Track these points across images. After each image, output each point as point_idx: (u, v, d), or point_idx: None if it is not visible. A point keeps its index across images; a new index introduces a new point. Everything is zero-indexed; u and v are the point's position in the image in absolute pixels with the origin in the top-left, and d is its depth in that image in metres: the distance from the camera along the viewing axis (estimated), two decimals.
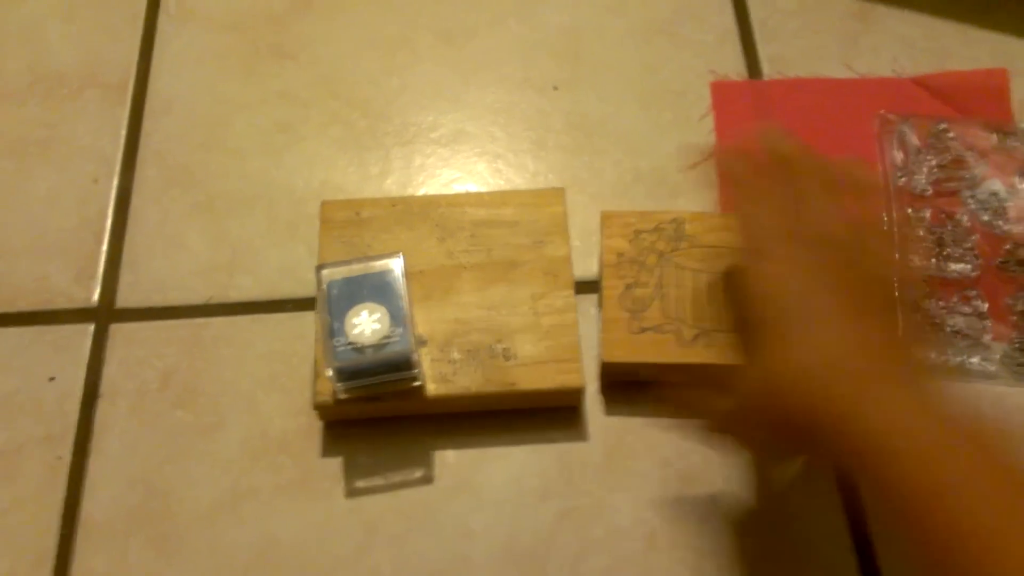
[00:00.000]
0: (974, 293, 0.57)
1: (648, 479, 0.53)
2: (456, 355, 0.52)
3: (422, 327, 0.53)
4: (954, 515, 0.37)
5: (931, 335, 0.56)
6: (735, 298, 0.52)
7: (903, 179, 0.61)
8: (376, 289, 0.51)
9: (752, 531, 0.52)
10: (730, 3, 0.69)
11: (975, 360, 0.55)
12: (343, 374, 0.50)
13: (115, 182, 0.62)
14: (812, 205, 0.47)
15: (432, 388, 0.52)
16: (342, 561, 0.51)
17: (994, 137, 0.62)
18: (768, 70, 0.66)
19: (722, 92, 0.65)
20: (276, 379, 0.56)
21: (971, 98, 0.65)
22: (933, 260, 0.58)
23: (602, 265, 0.55)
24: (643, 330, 0.53)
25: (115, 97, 0.65)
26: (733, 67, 0.66)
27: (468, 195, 0.61)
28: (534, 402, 0.54)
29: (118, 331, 0.57)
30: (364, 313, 0.50)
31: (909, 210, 0.60)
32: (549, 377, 0.52)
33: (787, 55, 0.67)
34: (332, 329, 0.49)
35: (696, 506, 0.53)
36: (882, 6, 0.69)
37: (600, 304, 0.54)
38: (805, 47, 0.67)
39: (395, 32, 0.68)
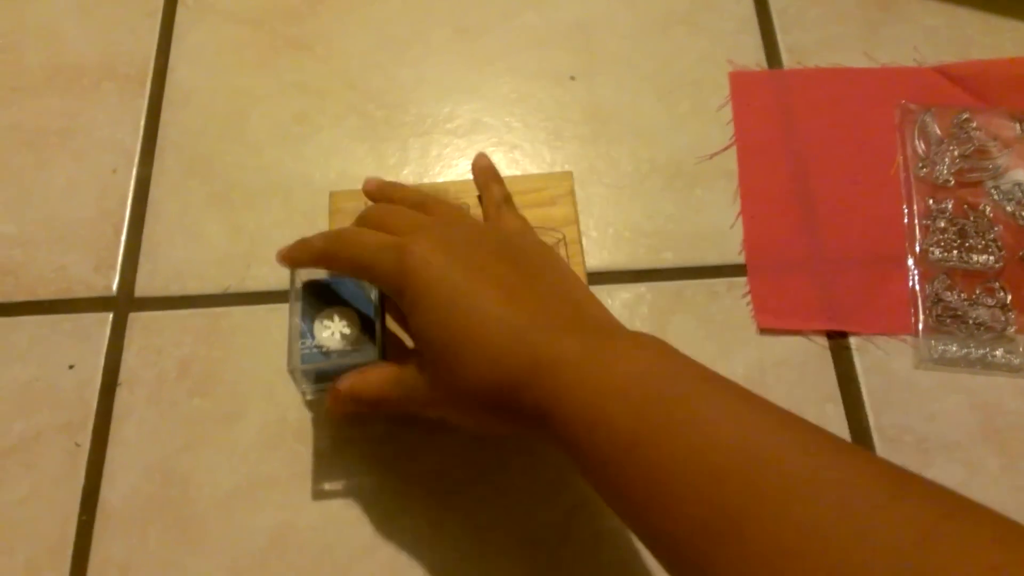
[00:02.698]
0: (997, 285, 0.57)
1: None
2: None
3: None
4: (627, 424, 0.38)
5: (954, 328, 0.56)
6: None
7: (924, 170, 0.60)
8: (349, 293, 0.51)
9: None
10: None
11: (999, 353, 0.55)
12: (308, 376, 0.50)
13: (134, 172, 0.62)
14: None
15: None
16: (358, 550, 0.51)
17: (1018, 126, 0.61)
18: (788, 59, 0.66)
19: (740, 82, 0.65)
20: None
21: (994, 87, 0.64)
22: (955, 252, 0.58)
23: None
24: None
25: (134, 89, 0.66)
26: (752, 57, 0.66)
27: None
28: None
29: (137, 320, 0.58)
30: (335, 317, 0.50)
31: (930, 201, 0.60)
32: None
33: (807, 44, 0.66)
34: (301, 330, 0.49)
35: None
36: None
37: None
38: (825, 36, 0.67)
39: (411, 25, 0.68)
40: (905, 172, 0.61)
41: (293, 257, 0.50)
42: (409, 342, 0.51)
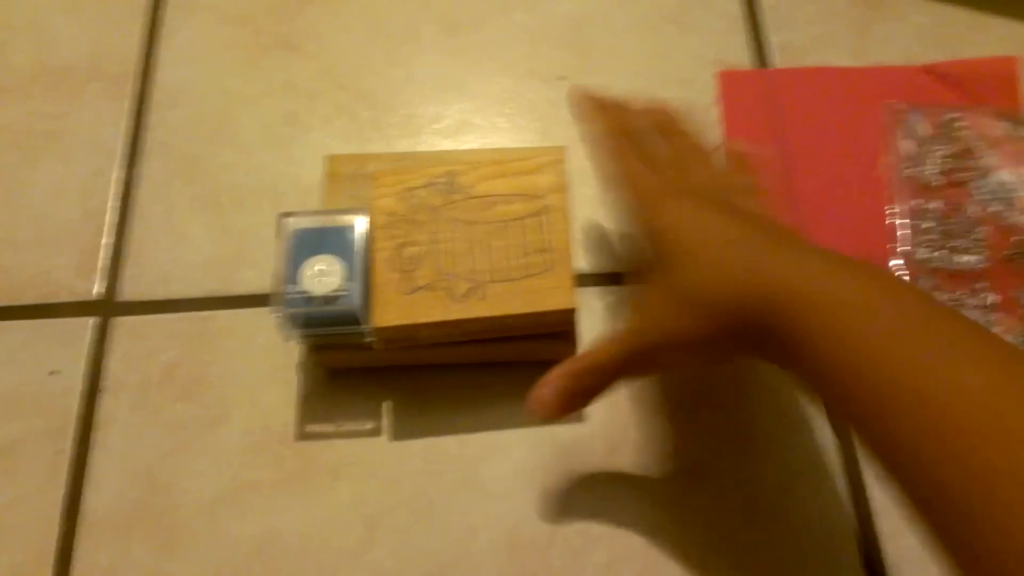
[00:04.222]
0: (983, 285, 0.56)
1: (650, 472, 0.53)
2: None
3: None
4: (887, 345, 0.37)
5: None
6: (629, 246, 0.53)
7: (911, 170, 0.60)
8: (337, 243, 0.51)
9: (755, 524, 0.51)
10: None
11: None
12: (293, 321, 0.50)
13: (119, 175, 0.62)
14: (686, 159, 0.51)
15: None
16: (344, 554, 0.51)
17: (1004, 126, 0.61)
18: (778, 58, 0.65)
19: (729, 81, 0.64)
20: (279, 372, 0.56)
21: (981, 86, 0.63)
22: (941, 252, 0.57)
23: (372, 228, 0.52)
24: (415, 289, 0.50)
25: (120, 89, 0.65)
26: (742, 55, 0.65)
27: (472, 152, 0.61)
28: (519, 339, 0.53)
29: (120, 324, 0.57)
30: (319, 265, 0.50)
31: (917, 201, 0.59)
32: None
33: (797, 43, 0.66)
34: (286, 275, 0.50)
35: (699, 499, 0.52)
36: None
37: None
38: (815, 35, 0.66)
39: (400, 23, 0.68)
40: (892, 172, 0.61)
41: (583, 113, 0.53)
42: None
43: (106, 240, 0.60)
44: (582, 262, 0.58)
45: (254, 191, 0.61)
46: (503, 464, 0.53)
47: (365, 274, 0.51)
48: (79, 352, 0.56)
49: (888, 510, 0.51)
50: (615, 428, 0.54)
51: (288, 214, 0.52)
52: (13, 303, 0.58)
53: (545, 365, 0.54)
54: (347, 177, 0.57)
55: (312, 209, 0.54)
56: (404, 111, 0.64)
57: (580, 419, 0.54)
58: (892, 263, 0.58)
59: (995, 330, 0.55)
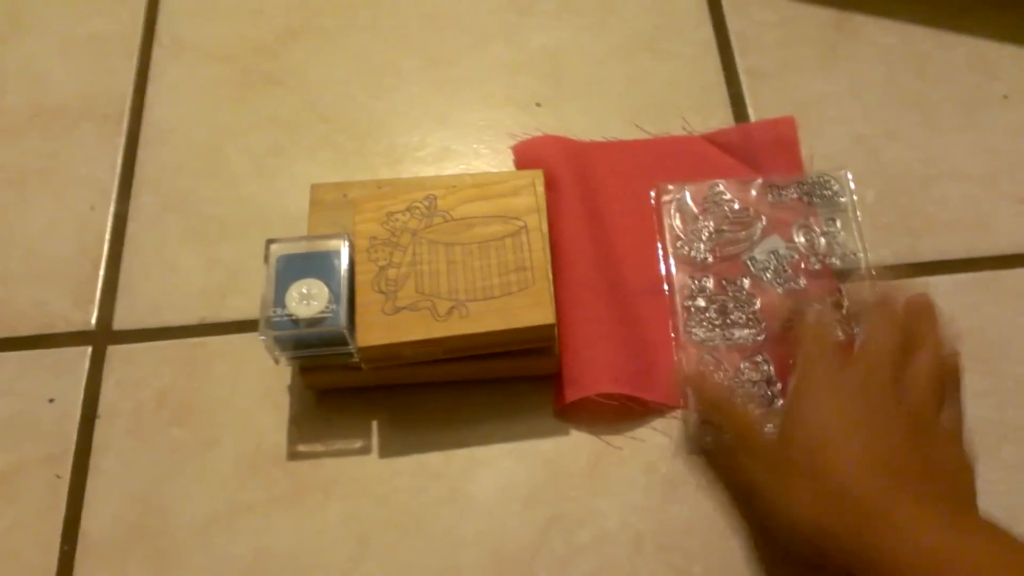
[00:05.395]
0: (761, 358, 0.56)
1: (634, 484, 0.54)
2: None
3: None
4: None
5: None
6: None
7: (684, 249, 0.60)
8: (321, 267, 0.53)
9: (740, 533, 0.53)
10: (709, 17, 0.70)
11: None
12: (280, 343, 0.52)
13: (112, 209, 0.64)
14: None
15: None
16: (336, 570, 0.52)
17: (770, 195, 0.61)
18: (746, 81, 0.67)
19: (522, 154, 0.64)
20: (270, 394, 0.57)
21: (763, 152, 0.64)
22: (717, 331, 0.57)
23: (355, 251, 0.54)
24: (398, 310, 0.52)
25: (112, 128, 0.67)
26: (712, 79, 0.67)
27: (451, 177, 0.62)
28: (501, 355, 0.54)
29: (115, 353, 0.59)
30: (304, 288, 0.52)
31: (691, 280, 0.59)
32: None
33: (765, 67, 0.68)
34: (273, 299, 0.52)
35: (682, 510, 0.53)
36: (860, 15, 0.70)
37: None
38: (783, 58, 0.68)
39: (381, 57, 0.70)
40: (665, 251, 0.61)
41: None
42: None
43: (100, 272, 0.62)
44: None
45: (242, 222, 0.63)
46: (489, 478, 0.55)
47: (349, 296, 0.52)
48: (76, 380, 0.58)
49: None
50: (598, 441, 0.55)
51: (273, 240, 0.54)
52: (11, 334, 0.60)
53: (527, 381, 0.56)
54: (331, 204, 0.59)
55: (298, 236, 0.55)
56: (387, 141, 0.66)
57: (564, 432, 0.56)
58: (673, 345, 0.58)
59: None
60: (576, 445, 0.55)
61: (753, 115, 0.66)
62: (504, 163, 0.65)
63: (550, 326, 0.52)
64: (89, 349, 0.59)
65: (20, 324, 0.60)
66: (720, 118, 0.66)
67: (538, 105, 0.67)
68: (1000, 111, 0.66)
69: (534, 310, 0.52)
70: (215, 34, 0.72)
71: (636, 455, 0.55)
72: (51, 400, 0.57)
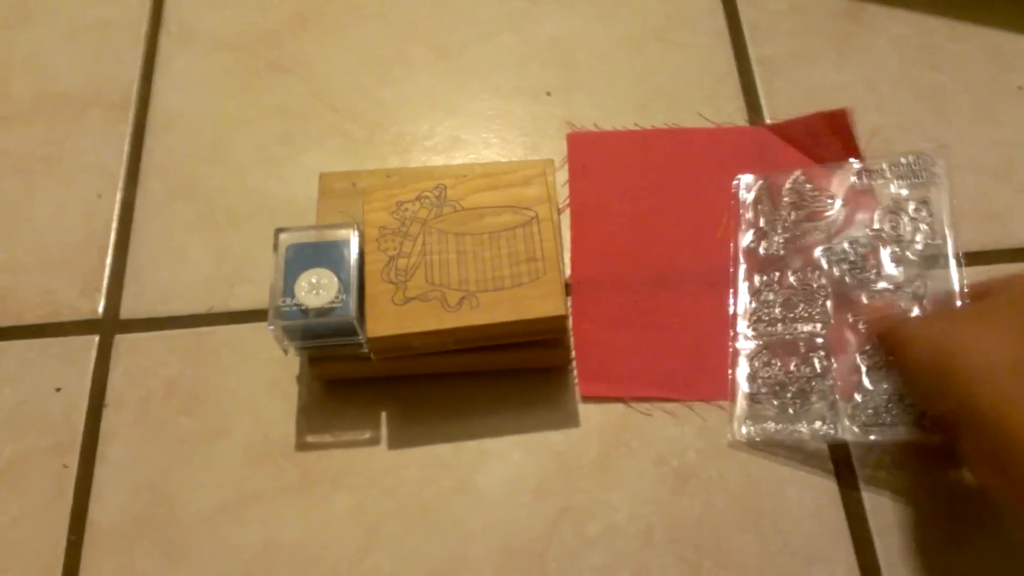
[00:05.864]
0: (823, 354, 0.55)
1: (644, 476, 0.54)
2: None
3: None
4: None
5: (774, 401, 0.55)
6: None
7: (758, 240, 0.59)
8: (331, 257, 0.53)
9: (750, 527, 0.52)
10: (721, 6, 0.70)
11: (819, 424, 0.53)
12: (289, 333, 0.52)
13: (119, 197, 0.64)
14: None
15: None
16: (343, 561, 0.52)
17: (855, 179, 0.60)
18: (758, 72, 0.67)
19: (576, 143, 0.64)
20: (278, 384, 0.57)
21: (820, 143, 0.63)
22: (779, 325, 0.56)
23: (364, 241, 0.54)
24: (407, 300, 0.52)
25: (119, 115, 0.67)
26: (724, 69, 0.67)
27: (461, 167, 0.62)
28: (511, 346, 0.53)
29: (122, 342, 0.59)
30: (314, 278, 0.52)
31: (759, 273, 0.58)
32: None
33: (778, 56, 0.67)
34: (282, 289, 0.51)
35: (693, 503, 0.53)
36: (873, 5, 0.69)
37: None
38: (796, 48, 0.68)
39: (390, 47, 0.69)
40: (735, 243, 0.60)
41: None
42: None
43: (107, 260, 0.61)
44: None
45: (250, 210, 0.63)
46: (498, 470, 0.54)
47: (359, 286, 0.52)
48: (83, 369, 0.58)
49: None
50: (609, 432, 0.55)
51: (282, 229, 0.54)
52: (18, 323, 0.59)
53: (537, 372, 0.56)
54: (340, 194, 0.59)
55: (307, 225, 0.55)
56: (395, 129, 0.66)
57: (574, 424, 0.55)
58: (732, 334, 0.57)
59: (834, 397, 0.54)
60: (586, 437, 0.55)
61: (765, 106, 0.65)
62: (514, 152, 0.64)
63: (561, 317, 0.52)
64: (96, 338, 0.59)
65: (27, 312, 0.60)
66: (732, 109, 0.65)
67: (548, 95, 0.67)
68: (1015, 102, 0.65)
69: (545, 301, 0.51)
70: (223, 21, 0.71)
71: (646, 447, 0.55)
72: (58, 389, 0.57)
